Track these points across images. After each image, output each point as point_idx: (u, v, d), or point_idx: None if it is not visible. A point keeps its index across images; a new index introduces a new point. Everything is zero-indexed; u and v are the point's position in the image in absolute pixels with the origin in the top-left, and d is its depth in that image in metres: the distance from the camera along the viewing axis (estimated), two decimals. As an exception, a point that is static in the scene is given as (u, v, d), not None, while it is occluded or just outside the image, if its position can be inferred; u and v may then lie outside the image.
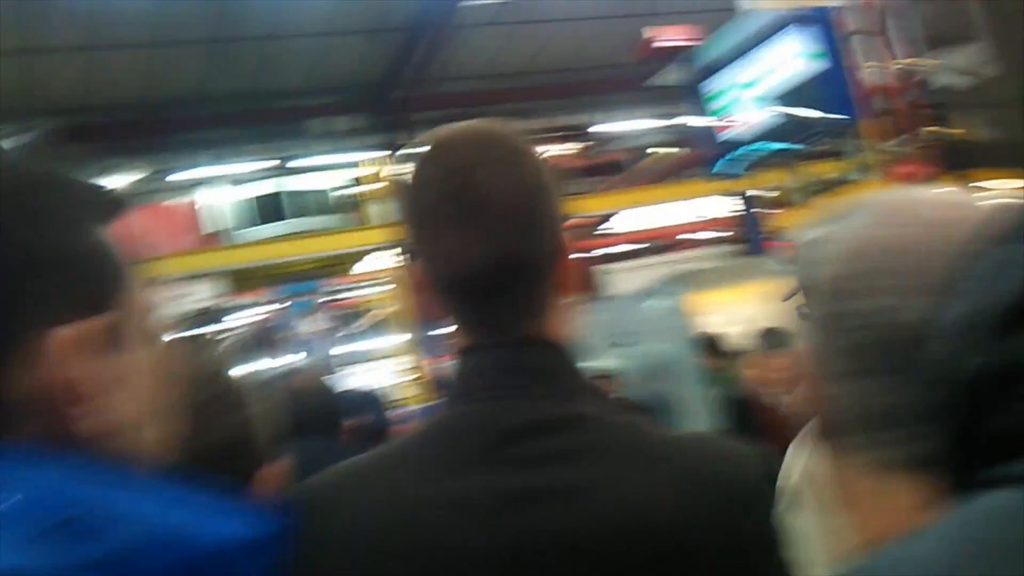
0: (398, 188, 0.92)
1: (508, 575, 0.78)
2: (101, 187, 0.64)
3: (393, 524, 0.81)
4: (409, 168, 0.90)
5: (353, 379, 12.16)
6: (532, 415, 0.84)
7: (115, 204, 0.64)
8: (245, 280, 14.19)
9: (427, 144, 0.90)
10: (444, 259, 0.86)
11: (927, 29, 7.08)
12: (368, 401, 3.04)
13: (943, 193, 0.69)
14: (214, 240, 15.31)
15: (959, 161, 6.74)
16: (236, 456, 1.10)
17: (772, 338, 6.28)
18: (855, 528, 0.71)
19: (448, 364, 0.95)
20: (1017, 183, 6.72)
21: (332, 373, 3.39)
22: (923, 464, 0.59)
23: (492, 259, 0.85)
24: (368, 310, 16.67)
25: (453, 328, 0.91)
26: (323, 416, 2.14)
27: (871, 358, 0.65)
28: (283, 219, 15.50)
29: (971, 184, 6.54)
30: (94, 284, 0.57)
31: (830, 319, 0.68)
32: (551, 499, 0.80)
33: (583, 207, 13.53)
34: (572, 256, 0.90)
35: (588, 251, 15.48)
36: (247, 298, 14.78)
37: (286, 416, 2.01)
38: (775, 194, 9.09)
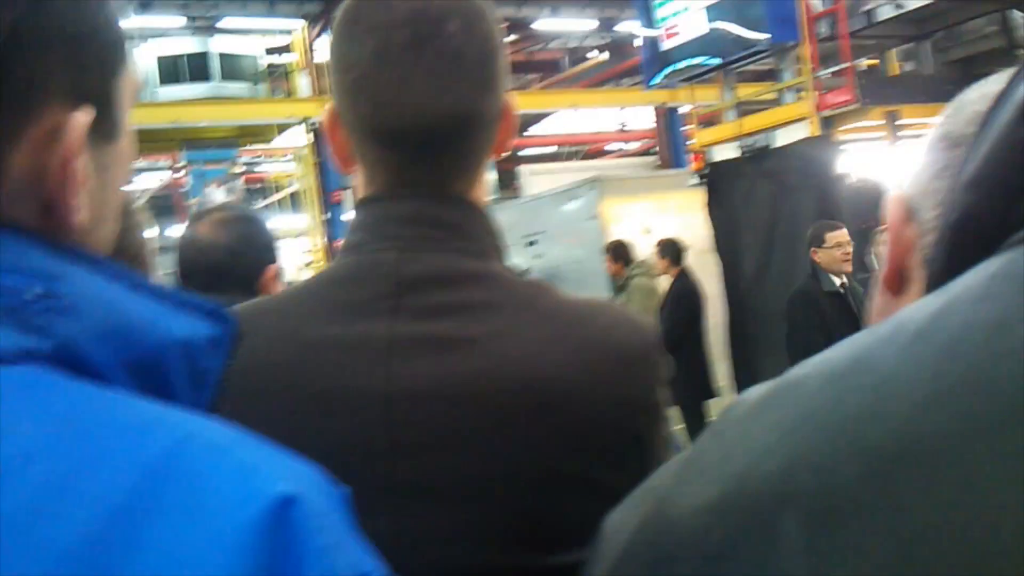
0: (346, 21, 0.87)
1: (395, 418, 0.80)
2: None
3: (283, 363, 0.83)
4: (361, 4, 0.86)
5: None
6: (438, 267, 0.85)
7: None
8: (158, 140, 13.63)
9: None
10: (400, 105, 0.84)
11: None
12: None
13: None
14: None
15: (889, 95, 6.70)
16: None
17: (667, 249, 6.28)
18: None
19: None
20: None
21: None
22: None
23: (452, 112, 0.85)
24: (283, 186, 16.27)
25: (366, 177, 0.90)
26: (230, 270, 1.72)
27: None
28: (208, 80, 14.77)
29: (893, 117, 6.54)
30: (106, 64, 0.54)
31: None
32: (444, 347, 0.82)
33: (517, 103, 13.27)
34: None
35: (514, 149, 15.29)
36: (158, 160, 14.24)
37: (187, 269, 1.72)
38: (707, 110, 8.98)
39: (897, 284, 0.58)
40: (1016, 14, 7.15)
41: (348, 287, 0.86)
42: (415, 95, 0.84)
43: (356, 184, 0.92)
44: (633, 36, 9.33)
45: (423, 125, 0.84)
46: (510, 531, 0.82)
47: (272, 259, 1.82)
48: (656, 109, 11.98)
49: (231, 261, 1.76)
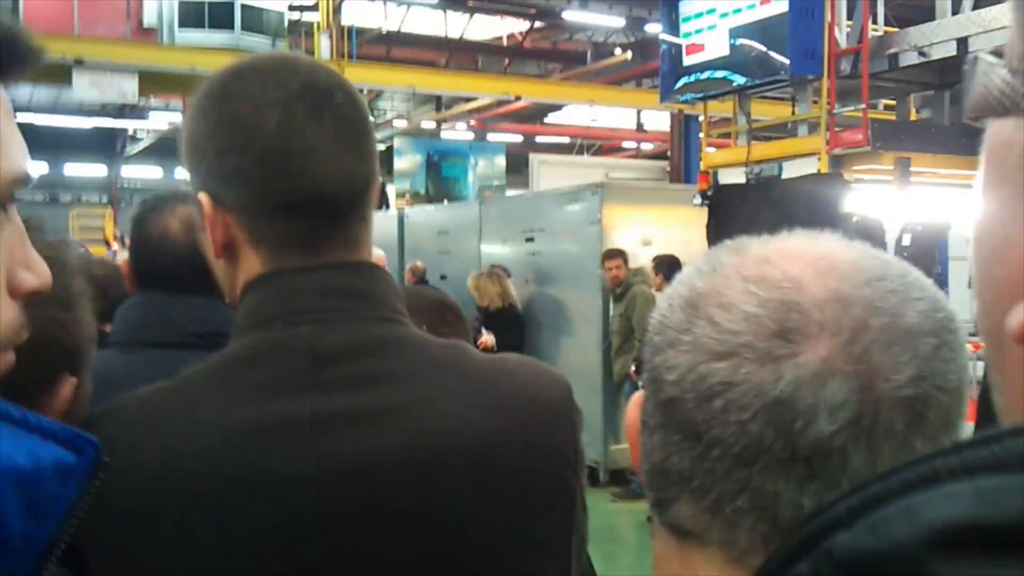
0: (225, 98, 0.86)
1: (326, 500, 0.79)
2: None
3: (202, 452, 0.80)
4: (238, 82, 0.86)
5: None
6: (354, 337, 0.84)
7: None
8: (170, 84, 13.57)
9: (260, 64, 0.89)
10: (313, 173, 0.84)
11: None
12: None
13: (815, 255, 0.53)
14: (150, 35, 14.45)
15: (902, 141, 6.71)
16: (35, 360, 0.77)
17: (662, 265, 6.31)
18: None
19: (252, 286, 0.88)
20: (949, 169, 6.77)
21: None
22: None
23: (357, 176, 0.87)
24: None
25: (258, 257, 0.87)
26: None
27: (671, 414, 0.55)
28: (228, 30, 14.66)
29: (905, 163, 6.55)
30: None
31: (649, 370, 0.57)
32: (370, 420, 0.81)
33: (533, 91, 13.25)
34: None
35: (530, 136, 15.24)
36: (169, 100, 14.18)
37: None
38: (720, 127, 8.99)
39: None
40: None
41: (262, 366, 0.84)
42: (326, 162, 0.85)
43: (229, 272, 0.90)
44: (658, 42, 9.30)
45: (336, 191, 0.86)
46: None
47: None
48: (672, 115, 11.98)
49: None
